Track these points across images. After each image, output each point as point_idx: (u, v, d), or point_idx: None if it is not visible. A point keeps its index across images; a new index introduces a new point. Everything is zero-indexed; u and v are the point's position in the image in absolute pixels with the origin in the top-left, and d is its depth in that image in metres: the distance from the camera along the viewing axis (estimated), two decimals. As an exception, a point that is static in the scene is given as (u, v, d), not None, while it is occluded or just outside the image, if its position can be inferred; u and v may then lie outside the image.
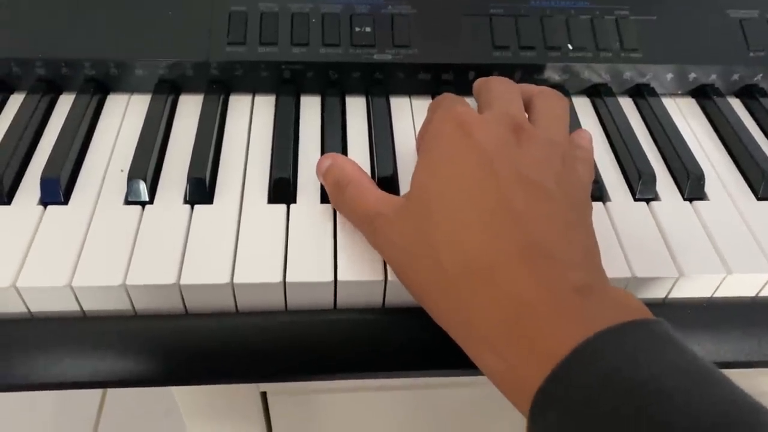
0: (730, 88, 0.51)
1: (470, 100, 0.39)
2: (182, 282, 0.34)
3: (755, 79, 0.50)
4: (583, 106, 0.49)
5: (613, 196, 0.42)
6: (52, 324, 0.35)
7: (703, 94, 0.51)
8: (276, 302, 0.36)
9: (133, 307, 0.36)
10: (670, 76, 0.49)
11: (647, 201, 0.42)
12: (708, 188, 0.43)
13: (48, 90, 0.46)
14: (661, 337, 0.26)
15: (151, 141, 0.42)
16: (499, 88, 0.38)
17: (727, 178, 0.44)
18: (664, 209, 0.41)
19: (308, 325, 0.36)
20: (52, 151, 0.41)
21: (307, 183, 0.41)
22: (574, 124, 0.47)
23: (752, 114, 0.50)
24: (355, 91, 0.48)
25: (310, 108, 0.47)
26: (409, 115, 0.47)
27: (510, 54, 0.47)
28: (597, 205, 0.41)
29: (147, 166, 0.40)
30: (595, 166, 0.43)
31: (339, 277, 0.35)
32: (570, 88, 0.50)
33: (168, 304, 0.36)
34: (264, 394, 0.55)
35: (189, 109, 0.46)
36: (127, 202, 0.39)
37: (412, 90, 0.48)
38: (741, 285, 0.38)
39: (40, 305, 0.35)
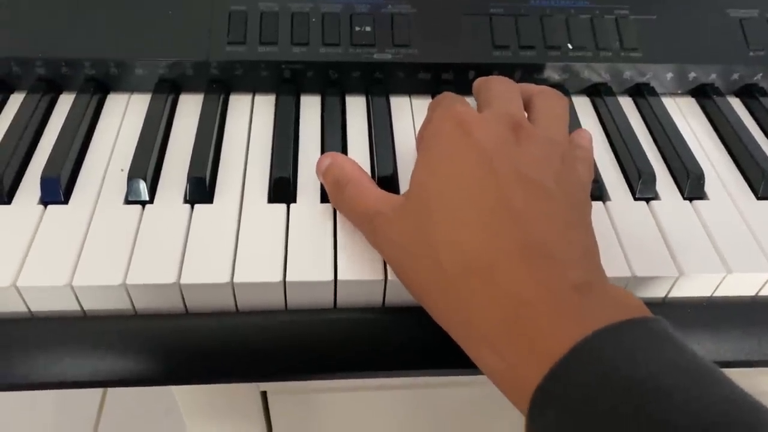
0: (730, 87, 0.51)
1: (470, 100, 0.39)
2: (182, 281, 0.35)
3: (755, 78, 0.50)
4: (583, 105, 0.49)
5: (613, 195, 0.42)
6: (53, 323, 0.35)
7: (703, 94, 0.51)
8: (276, 302, 0.36)
9: (134, 306, 0.36)
10: (669, 75, 0.49)
11: (647, 200, 0.42)
12: (708, 188, 0.43)
13: (48, 89, 0.46)
14: (660, 335, 0.26)
15: (151, 140, 0.42)
16: (498, 87, 0.38)
17: (726, 178, 0.44)
18: (664, 208, 0.41)
19: (308, 324, 0.36)
20: (53, 150, 0.41)
21: (307, 182, 0.41)
22: (574, 123, 0.47)
23: (752, 113, 0.50)
24: (355, 91, 0.48)
25: (310, 107, 0.47)
26: (409, 114, 0.47)
27: (510, 53, 0.47)
28: (597, 205, 0.41)
29: (147, 166, 0.40)
30: (595, 165, 0.43)
31: (339, 277, 0.35)
32: (570, 88, 0.50)
33: (168, 304, 0.36)
34: (264, 394, 0.55)
35: (189, 108, 0.46)
36: (127, 202, 0.39)
37: (412, 89, 0.48)
38: (741, 284, 0.38)
39: (40, 305, 0.35)
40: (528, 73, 0.48)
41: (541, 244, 0.29)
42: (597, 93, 0.50)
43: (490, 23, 0.47)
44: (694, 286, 0.38)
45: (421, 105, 0.48)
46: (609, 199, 0.42)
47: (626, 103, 0.50)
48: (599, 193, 0.42)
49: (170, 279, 0.34)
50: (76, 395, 1.24)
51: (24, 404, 1.22)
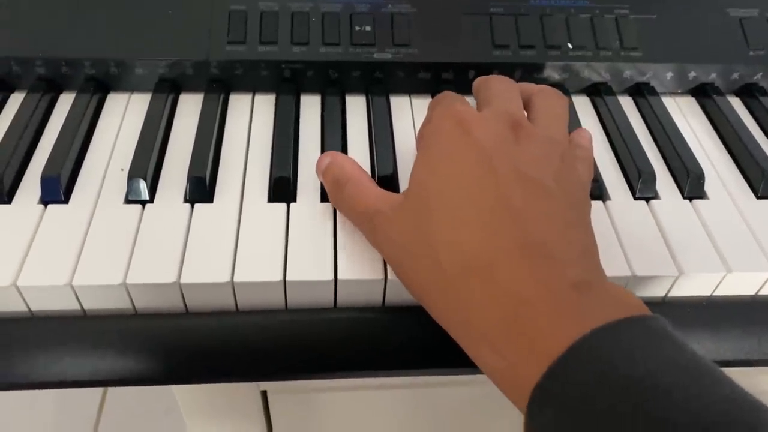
0: (730, 86, 0.51)
1: (470, 99, 0.39)
2: (182, 281, 0.35)
3: (755, 77, 0.50)
4: (582, 105, 0.49)
5: (612, 194, 0.42)
6: (53, 323, 0.35)
7: (703, 93, 0.51)
8: (276, 301, 0.36)
9: (134, 305, 0.36)
10: (670, 74, 0.49)
11: (647, 200, 0.42)
12: (708, 187, 0.43)
13: (48, 89, 0.46)
14: (659, 333, 0.26)
15: (152, 140, 0.42)
16: (498, 86, 0.38)
17: (726, 177, 0.44)
18: (663, 208, 0.41)
19: (308, 323, 0.36)
20: (53, 150, 0.41)
21: (307, 182, 0.41)
22: (574, 122, 0.47)
23: (752, 113, 0.50)
24: (355, 90, 0.48)
25: (310, 107, 0.47)
26: (409, 114, 0.47)
27: (510, 53, 0.47)
28: (597, 204, 0.41)
29: (147, 165, 0.40)
30: (595, 164, 0.43)
31: (339, 276, 0.36)
32: (570, 87, 0.50)
33: (168, 303, 0.36)
34: (264, 393, 0.55)
35: (189, 108, 0.46)
36: (128, 201, 0.39)
37: (412, 89, 0.48)
38: (741, 284, 0.39)
39: (40, 304, 0.35)
40: (528, 72, 0.48)
41: (541, 243, 0.29)
42: (597, 92, 0.50)
43: (490, 23, 0.47)
44: (694, 286, 0.38)
45: (421, 104, 0.48)
46: (609, 199, 0.42)
47: (626, 103, 0.50)
48: (599, 192, 0.42)
49: (170, 278, 0.35)
50: (76, 394, 1.24)
51: (24, 403, 1.22)
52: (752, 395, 0.24)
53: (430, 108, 0.37)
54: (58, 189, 0.38)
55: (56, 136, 0.42)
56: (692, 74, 0.49)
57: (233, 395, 0.53)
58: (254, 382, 0.51)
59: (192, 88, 0.47)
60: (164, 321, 0.36)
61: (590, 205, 0.36)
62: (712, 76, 0.50)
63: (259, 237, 0.37)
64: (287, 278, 0.35)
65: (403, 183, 0.41)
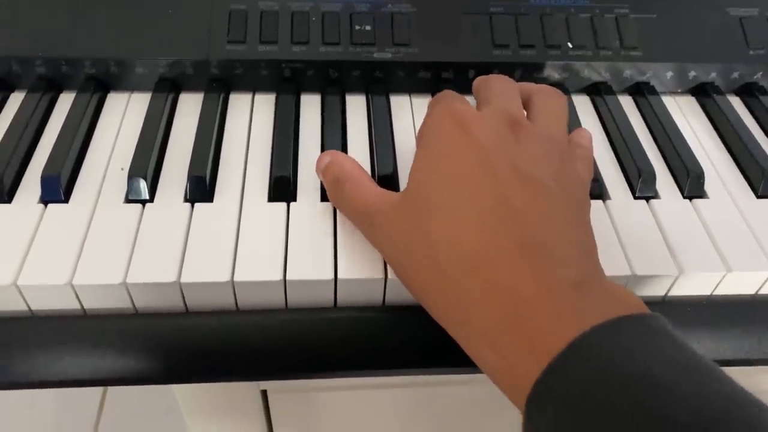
0: (730, 86, 0.51)
1: (471, 99, 0.39)
2: (183, 280, 0.35)
3: (755, 77, 0.50)
4: (583, 104, 0.49)
5: (613, 194, 0.42)
6: (53, 322, 0.35)
7: (703, 93, 0.51)
8: (276, 300, 0.36)
9: (134, 305, 0.36)
10: (670, 74, 0.49)
11: (647, 199, 0.42)
12: (708, 186, 0.43)
13: (48, 88, 0.46)
14: (658, 331, 0.26)
15: (152, 139, 0.42)
16: (497, 85, 0.38)
17: (726, 177, 0.44)
18: (663, 207, 0.41)
19: (308, 323, 0.36)
20: (53, 149, 0.41)
21: (308, 181, 0.41)
22: (574, 122, 0.47)
23: (752, 112, 0.50)
24: (355, 90, 0.48)
25: (310, 106, 0.47)
26: (409, 113, 0.47)
27: (510, 52, 0.47)
28: (597, 204, 0.41)
29: (147, 165, 0.40)
30: (595, 164, 0.43)
31: (339, 275, 0.36)
32: (570, 87, 0.50)
33: (168, 303, 0.36)
34: (264, 393, 0.55)
35: (189, 107, 0.46)
36: (128, 201, 0.39)
37: (412, 88, 0.48)
38: (741, 283, 0.39)
39: (40, 303, 0.35)
40: (528, 72, 0.48)
41: (540, 242, 0.29)
42: (597, 92, 0.50)
43: (490, 22, 0.47)
44: (694, 285, 0.38)
45: (421, 104, 0.48)
46: (609, 198, 0.42)
47: (626, 102, 0.50)
48: (599, 191, 0.42)
49: (170, 278, 0.35)
50: (76, 394, 1.24)
51: (24, 403, 1.22)
52: (751, 394, 0.24)
53: (430, 107, 0.37)
54: (58, 188, 0.39)
55: (56, 136, 0.42)
56: (692, 73, 0.49)
57: (233, 395, 0.54)
58: (254, 381, 0.51)
59: (192, 88, 0.47)
60: (164, 320, 0.36)
61: (590, 205, 0.36)
62: (712, 76, 0.50)
63: (259, 236, 0.37)
64: (287, 277, 0.35)
65: (403, 182, 0.41)
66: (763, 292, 0.39)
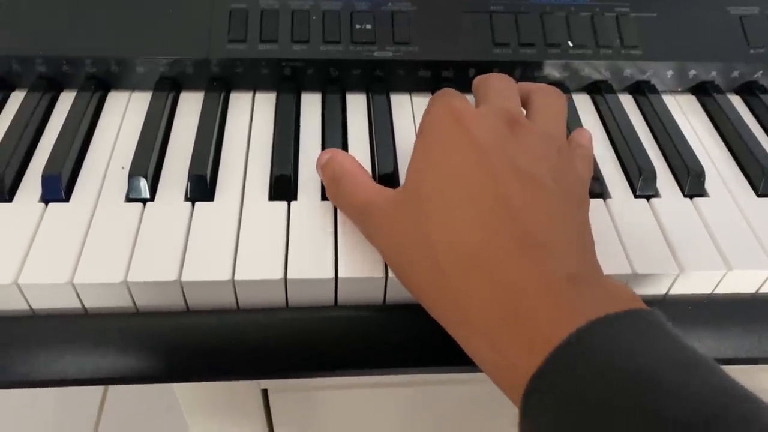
0: (730, 85, 0.51)
1: (471, 98, 0.39)
2: (183, 279, 0.35)
3: (755, 76, 0.50)
4: (583, 103, 0.49)
5: (613, 192, 0.42)
6: (54, 321, 0.36)
7: (703, 91, 0.51)
8: (277, 299, 0.36)
9: (135, 304, 0.36)
10: (670, 73, 0.49)
11: (647, 198, 0.42)
12: (708, 185, 0.43)
13: (49, 88, 0.46)
14: (655, 326, 0.26)
15: (152, 138, 0.42)
16: (496, 84, 0.38)
17: (727, 175, 0.44)
18: (664, 206, 0.41)
19: (309, 321, 0.36)
20: (53, 148, 0.41)
21: (308, 180, 0.41)
22: (575, 120, 0.47)
23: (752, 111, 0.50)
24: (355, 88, 0.48)
25: (311, 105, 0.47)
26: (409, 112, 0.47)
27: (510, 51, 0.47)
28: (597, 202, 0.41)
29: (148, 164, 0.40)
30: (596, 162, 0.43)
31: (340, 274, 0.36)
32: (570, 85, 0.50)
33: (169, 301, 0.36)
34: (265, 391, 0.55)
35: (190, 106, 0.46)
36: (128, 200, 0.39)
37: (412, 87, 0.48)
38: (741, 281, 0.39)
39: (41, 302, 0.35)
40: (528, 70, 0.48)
41: (540, 241, 0.29)
42: (597, 90, 0.50)
43: (490, 21, 0.47)
44: (695, 283, 0.38)
45: (421, 102, 0.48)
46: (609, 197, 0.42)
47: (627, 101, 0.50)
48: (600, 190, 0.42)
49: (171, 277, 0.35)
50: (77, 393, 1.24)
51: (25, 402, 1.23)
52: (748, 389, 0.24)
53: (429, 104, 0.37)
54: (58, 187, 0.39)
55: (57, 135, 0.42)
56: (692, 72, 0.49)
57: (234, 393, 0.54)
58: (255, 380, 0.51)
59: (192, 87, 0.47)
60: (165, 319, 0.36)
61: (589, 203, 0.36)
62: (713, 74, 0.50)
63: (260, 235, 0.37)
64: (288, 276, 0.35)
65: (404, 181, 0.41)
66: (763, 290, 0.39)
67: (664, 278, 0.38)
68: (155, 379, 0.35)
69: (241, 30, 0.45)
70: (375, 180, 0.41)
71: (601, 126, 0.48)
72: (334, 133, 0.44)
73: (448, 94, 0.36)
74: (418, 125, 0.45)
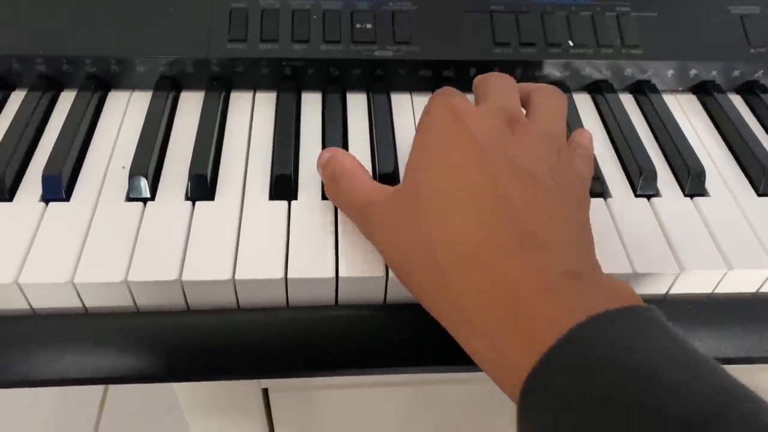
0: (730, 84, 0.51)
1: (471, 98, 0.39)
2: (184, 278, 0.35)
3: (756, 75, 0.50)
4: (583, 102, 0.49)
5: (613, 192, 0.42)
6: (54, 320, 0.36)
7: (703, 91, 0.51)
8: (277, 298, 0.36)
9: (135, 303, 0.36)
10: (671, 72, 0.49)
11: (648, 197, 0.42)
12: (709, 184, 0.43)
13: (49, 87, 0.46)
14: (654, 323, 0.26)
15: (153, 138, 0.42)
16: (496, 83, 0.38)
17: (727, 174, 0.44)
18: (664, 205, 0.41)
19: (309, 321, 0.36)
20: (54, 148, 0.41)
21: (309, 180, 0.41)
22: (575, 120, 0.47)
23: (753, 110, 0.50)
24: (356, 88, 0.48)
25: (311, 105, 0.47)
26: (410, 111, 0.47)
27: (511, 50, 0.47)
28: (598, 201, 0.41)
29: (148, 163, 0.40)
30: (596, 162, 0.43)
31: (340, 274, 0.36)
32: (571, 85, 0.50)
33: (170, 301, 0.36)
34: (265, 391, 0.55)
35: (190, 106, 0.46)
36: (129, 199, 0.39)
37: (413, 86, 0.48)
38: (742, 281, 0.39)
39: (42, 301, 0.35)
40: (529, 70, 0.48)
41: (540, 241, 0.29)
42: (598, 90, 0.50)
43: (490, 20, 0.47)
44: (695, 283, 0.38)
45: (422, 102, 0.47)
46: (610, 196, 0.42)
47: (627, 100, 0.50)
48: (600, 189, 0.42)
49: (172, 276, 0.35)
50: (77, 392, 1.24)
51: (25, 401, 1.23)
52: (749, 388, 0.24)
53: (429, 102, 0.37)
54: (59, 187, 0.39)
55: (57, 134, 0.42)
56: (693, 72, 0.49)
57: (234, 393, 0.54)
58: (255, 379, 0.51)
59: (193, 86, 0.47)
60: (166, 318, 0.36)
61: (589, 203, 0.36)
62: (713, 74, 0.50)
63: (261, 234, 0.37)
64: (288, 276, 0.35)
65: (402, 179, 0.41)
66: (764, 290, 0.39)
67: (665, 278, 0.38)
68: (156, 379, 0.35)
69: (242, 29, 0.45)
70: (375, 179, 0.41)
71: (602, 125, 0.48)
72: (335, 133, 0.44)
73: (448, 92, 0.36)
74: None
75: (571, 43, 0.47)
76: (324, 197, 0.40)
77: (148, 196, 0.39)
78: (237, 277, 0.35)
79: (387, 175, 0.41)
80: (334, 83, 0.47)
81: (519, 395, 0.27)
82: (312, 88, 0.48)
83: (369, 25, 0.46)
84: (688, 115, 0.49)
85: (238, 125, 0.45)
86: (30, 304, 0.35)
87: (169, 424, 1.19)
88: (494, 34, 0.47)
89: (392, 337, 0.37)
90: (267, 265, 0.35)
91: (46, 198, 0.39)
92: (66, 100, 0.46)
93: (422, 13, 0.47)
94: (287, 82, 0.47)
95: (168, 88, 0.46)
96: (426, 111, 0.36)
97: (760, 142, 0.46)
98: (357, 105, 0.47)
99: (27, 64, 0.45)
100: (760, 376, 0.54)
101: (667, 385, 0.23)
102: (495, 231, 0.30)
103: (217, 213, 0.38)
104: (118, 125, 0.44)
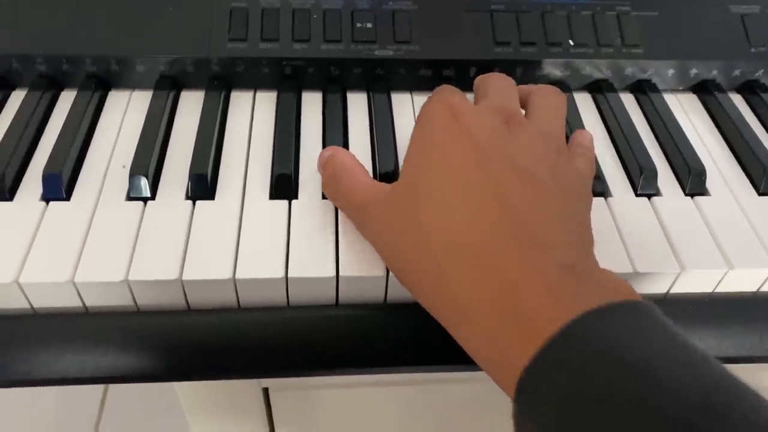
0: (731, 83, 0.51)
1: (471, 97, 0.39)
2: (184, 278, 0.35)
3: (756, 74, 0.50)
4: (584, 101, 0.49)
5: (614, 191, 0.42)
6: (55, 320, 0.35)
7: (704, 90, 0.51)
8: (278, 298, 0.36)
9: (135, 302, 0.36)
10: (671, 71, 0.49)
11: (649, 196, 0.42)
12: (709, 184, 0.43)
13: (49, 86, 0.46)
14: (650, 319, 0.26)
15: (153, 137, 0.42)
16: (496, 83, 0.38)
17: (728, 174, 0.44)
18: (665, 205, 0.41)
19: (310, 320, 0.36)
20: (54, 147, 0.41)
21: (309, 179, 0.41)
22: (576, 119, 0.47)
23: (753, 109, 0.50)
24: (356, 87, 0.48)
25: (312, 104, 0.47)
26: (410, 110, 0.47)
27: (511, 50, 0.47)
28: (598, 201, 0.41)
29: (149, 162, 0.40)
30: (597, 161, 0.43)
31: (341, 273, 0.36)
32: (571, 84, 0.49)
33: (170, 300, 0.36)
34: (266, 390, 0.55)
35: (190, 105, 0.46)
36: (129, 198, 0.39)
37: (413, 86, 0.48)
38: (742, 280, 0.39)
39: (42, 301, 0.35)
40: (529, 69, 0.48)
41: (538, 239, 0.29)
42: (598, 89, 0.50)
43: (491, 19, 0.47)
44: (696, 282, 0.38)
45: (422, 101, 0.47)
46: (610, 195, 0.42)
47: (628, 100, 0.50)
48: (601, 189, 0.42)
49: (172, 275, 0.35)
50: (77, 392, 1.24)
51: (25, 401, 1.23)
52: (748, 385, 0.24)
53: (427, 100, 0.37)
54: (59, 186, 0.39)
55: (57, 134, 0.42)
56: (694, 71, 0.49)
57: (235, 392, 0.54)
58: (256, 378, 0.51)
59: (193, 86, 0.47)
60: (166, 318, 0.36)
61: (591, 202, 0.36)
62: (714, 73, 0.50)
63: (261, 234, 0.37)
64: (289, 275, 0.35)
65: (400, 176, 0.41)
66: (764, 289, 0.39)
67: (666, 277, 0.38)
68: (156, 378, 0.35)
69: (242, 29, 0.45)
70: (376, 179, 0.41)
71: (602, 125, 0.48)
72: (335, 132, 0.44)
73: (446, 90, 0.36)
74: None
75: (571, 43, 0.47)
76: (324, 197, 0.40)
77: (149, 195, 0.39)
78: (237, 276, 0.35)
79: (387, 175, 0.41)
80: (335, 83, 0.47)
81: (515, 391, 0.27)
82: (312, 87, 0.48)
83: (369, 25, 0.46)
84: (689, 114, 0.49)
85: (239, 125, 0.45)
86: (30, 304, 0.35)
87: (170, 423, 1.19)
88: (494, 33, 0.47)
89: (392, 336, 0.37)
90: (267, 265, 0.35)
91: (47, 197, 0.39)
92: (66, 99, 0.46)
93: (422, 12, 0.47)
94: (287, 81, 0.47)
95: (168, 87, 0.46)
96: (424, 108, 0.36)
97: (760, 141, 0.46)
98: (357, 104, 0.47)
99: (27, 64, 0.45)
100: (760, 375, 0.54)
101: (667, 384, 0.23)
102: (494, 231, 0.30)
103: (218, 212, 0.38)
104: (118, 125, 0.44)
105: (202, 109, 0.44)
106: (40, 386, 0.35)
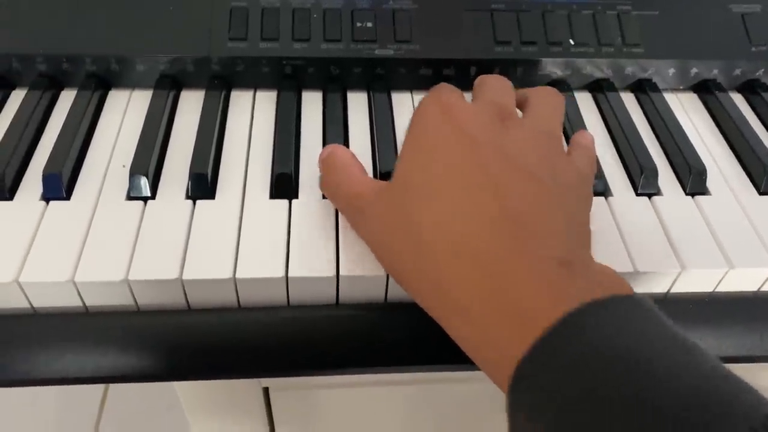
0: (731, 83, 0.51)
1: (470, 98, 0.39)
2: (184, 277, 0.35)
3: (757, 74, 0.50)
4: (584, 101, 0.49)
5: (615, 190, 0.42)
6: (55, 319, 0.35)
7: (704, 89, 0.50)
8: (278, 297, 0.36)
9: (136, 302, 0.36)
10: (672, 71, 0.49)
11: (649, 196, 0.42)
12: (710, 183, 0.43)
13: (49, 86, 0.45)
14: (646, 312, 0.26)
15: (153, 137, 0.42)
16: (494, 83, 0.38)
17: (728, 173, 0.44)
18: (666, 204, 0.41)
19: (310, 320, 0.36)
20: (54, 146, 0.41)
21: (309, 178, 0.41)
22: (577, 119, 0.47)
23: (754, 109, 0.50)
24: (356, 87, 0.48)
25: (312, 103, 0.47)
26: (410, 110, 0.47)
27: (512, 49, 0.47)
28: (599, 200, 0.41)
29: (149, 162, 0.40)
30: (597, 161, 0.43)
31: (341, 272, 0.35)
32: (572, 84, 0.49)
33: (170, 300, 0.36)
34: (266, 390, 0.55)
35: (190, 104, 0.46)
36: (129, 198, 0.39)
37: (413, 85, 0.48)
38: (743, 280, 0.38)
39: (42, 300, 0.35)
40: (530, 68, 0.48)
41: (532, 233, 0.29)
42: (599, 89, 0.50)
43: (491, 19, 0.47)
44: (696, 282, 0.38)
45: (422, 101, 0.48)
46: (611, 195, 0.42)
47: (628, 99, 0.50)
48: (601, 188, 0.42)
49: (172, 275, 0.35)
50: (78, 391, 1.24)
51: (26, 400, 1.23)
52: (745, 381, 0.24)
53: (422, 98, 0.37)
54: (59, 186, 0.38)
55: (57, 133, 0.42)
56: (694, 70, 0.49)
57: (235, 392, 0.54)
58: (256, 378, 0.51)
59: (193, 85, 0.47)
60: (166, 317, 0.36)
61: (591, 200, 0.36)
62: (714, 72, 0.50)
63: (261, 233, 0.37)
64: (289, 274, 0.35)
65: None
66: (765, 289, 0.39)
67: (666, 276, 0.38)
68: (156, 378, 0.35)
69: (242, 28, 0.45)
70: (376, 178, 0.41)
71: (603, 124, 0.48)
72: (335, 132, 0.44)
73: (442, 88, 0.36)
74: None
75: (572, 42, 0.47)
76: (325, 196, 0.39)
77: (149, 194, 0.39)
78: (238, 275, 0.35)
79: (387, 174, 0.41)
80: (335, 82, 0.47)
81: (510, 382, 0.26)
82: (312, 86, 0.47)
83: (369, 24, 0.46)
84: (689, 113, 0.49)
85: (239, 124, 0.45)
86: (30, 303, 0.35)
87: (170, 423, 1.19)
88: (495, 32, 0.47)
89: (393, 336, 0.37)
90: (268, 264, 0.35)
91: (47, 197, 0.39)
92: (66, 99, 0.45)
93: (423, 11, 0.47)
94: (288, 80, 0.47)
95: (168, 86, 0.46)
96: (418, 107, 0.36)
97: (761, 140, 0.46)
98: (357, 104, 0.47)
99: (27, 63, 0.45)
100: (761, 375, 0.54)
101: (661, 377, 0.23)
102: (495, 230, 0.30)
103: (218, 212, 0.38)
104: (118, 124, 0.44)
105: (202, 108, 0.44)
106: (40, 386, 0.35)
